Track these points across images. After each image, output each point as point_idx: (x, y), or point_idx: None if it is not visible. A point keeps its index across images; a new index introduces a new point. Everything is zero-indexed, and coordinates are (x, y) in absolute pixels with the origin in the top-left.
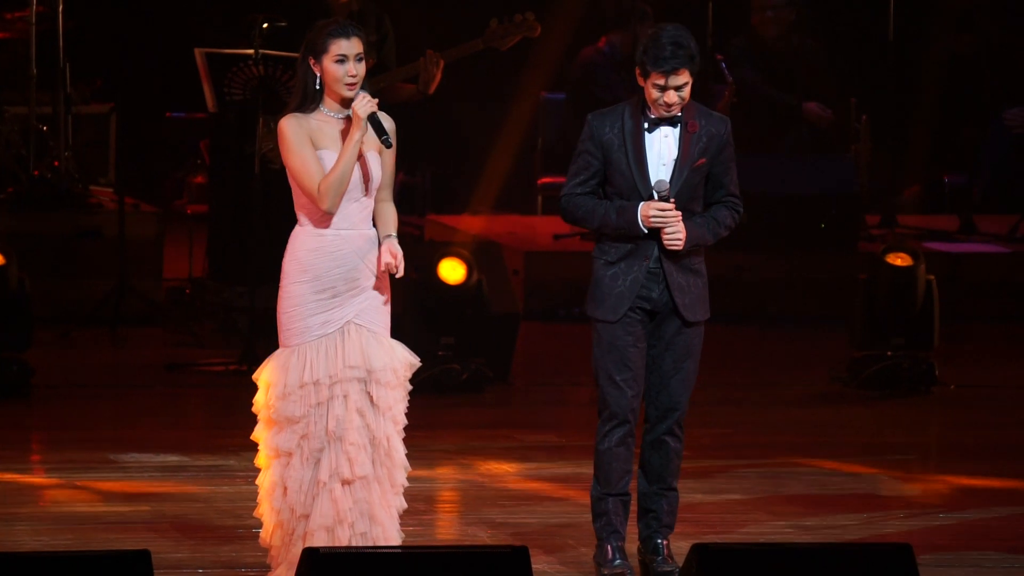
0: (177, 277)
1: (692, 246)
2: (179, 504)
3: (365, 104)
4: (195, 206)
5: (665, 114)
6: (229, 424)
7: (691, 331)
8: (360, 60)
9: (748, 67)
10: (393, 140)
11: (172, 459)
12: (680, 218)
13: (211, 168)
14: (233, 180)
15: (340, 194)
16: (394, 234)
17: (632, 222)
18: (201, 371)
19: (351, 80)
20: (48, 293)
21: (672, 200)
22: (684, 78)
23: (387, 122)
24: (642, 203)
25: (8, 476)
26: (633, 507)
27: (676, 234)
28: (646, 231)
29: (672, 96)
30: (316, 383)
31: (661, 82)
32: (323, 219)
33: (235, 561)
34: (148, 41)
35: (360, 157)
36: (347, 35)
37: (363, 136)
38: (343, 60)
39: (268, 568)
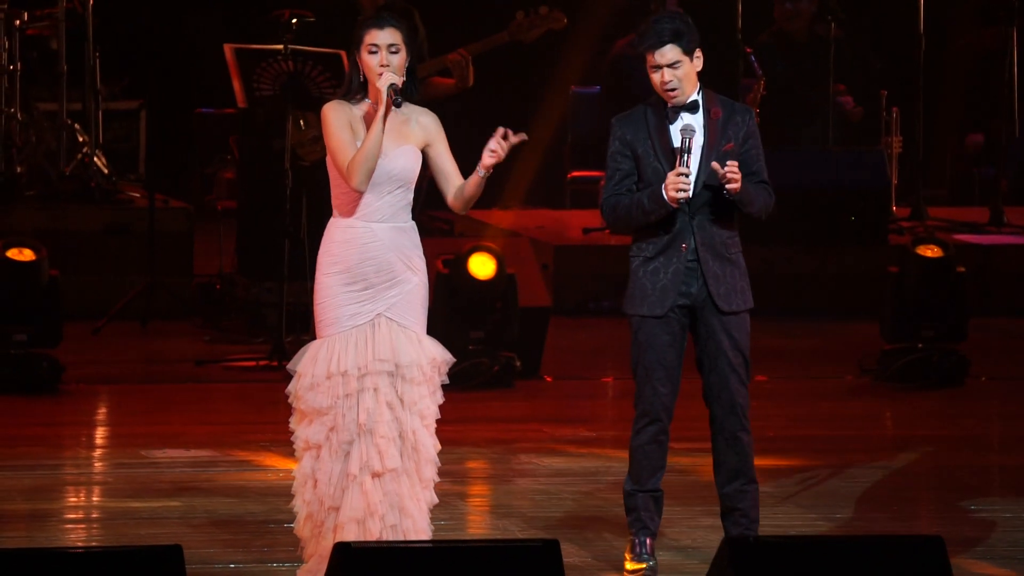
0: (207, 273)
1: (745, 196)
2: (211, 499)
3: (387, 77)
4: (225, 202)
5: (675, 100)
6: (260, 419)
7: (735, 323)
8: (395, 51)
9: (777, 63)
10: (401, 98)
11: (203, 454)
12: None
13: (240, 164)
14: (262, 175)
15: (368, 171)
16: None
17: (659, 198)
18: (231, 366)
19: (383, 70)
20: (78, 289)
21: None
22: (673, 55)
23: (426, 115)
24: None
25: (39, 472)
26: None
27: (733, 171)
28: (674, 206)
29: (667, 74)
30: (344, 374)
31: (653, 62)
32: (354, 211)
33: (267, 555)
34: (178, 37)
35: (391, 150)
36: (380, 25)
37: (387, 111)
38: (375, 50)
39: (300, 561)
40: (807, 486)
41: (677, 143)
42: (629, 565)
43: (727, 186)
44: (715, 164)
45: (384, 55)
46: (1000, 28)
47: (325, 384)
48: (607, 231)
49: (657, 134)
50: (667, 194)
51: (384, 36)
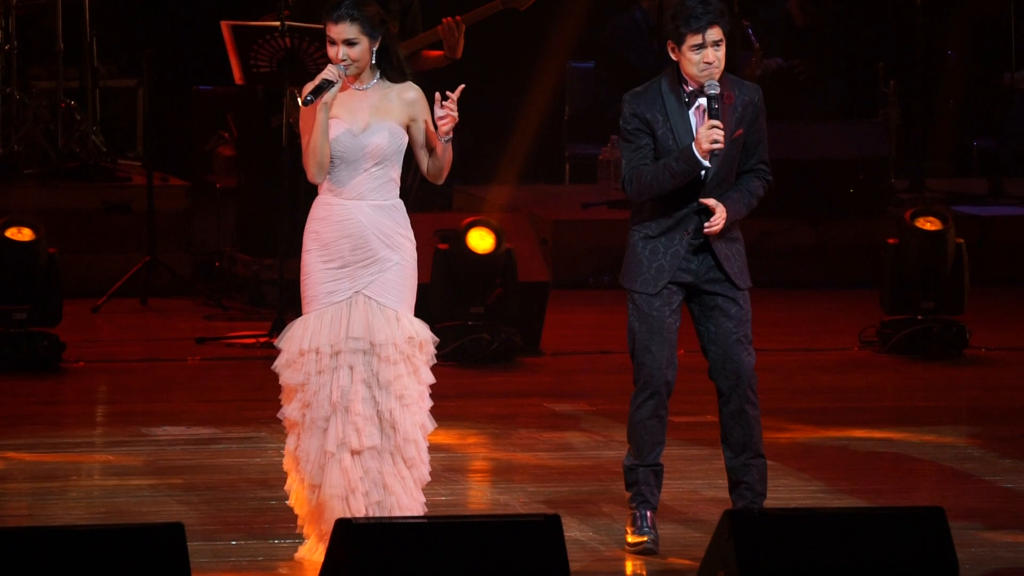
0: (206, 250)
1: (730, 223)
2: (212, 476)
3: (325, 71)
4: (224, 179)
5: (705, 82)
6: (260, 396)
7: (743, 298)
8: (352, 45)
9: (774, 37)
10: (316, 99)
11: (204, 432)
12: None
13: (238, 141)
14: (260, 152)
15: (317, 164)
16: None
17: (690, 156)
18: (231, 344)
19: (344, 63)
20: (78, 268)
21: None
22: (718, 34)
23: (411, 91)
24: (695, 138)
25: (40, 451)
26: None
27: (716, 220)
28: (708, 164)
29: (711, 54)
30: (317, 351)
31: (698, 40)
32: (332, 189)
33: (268, 532)
34: (175, 14)
35: (367, 127)
36: (336, 19)
37: (327, 108)
38: (333, 43)
39: (301, 538)
40: (807, 458)
41: (696, 127)
42: (631, 538)
43: (708, 230)
44: (705, 201)
45: (340, 49)
46: None
47: (298, 361)
48: (604, 206)
49: (677, 117)
50: (700, 148)
51: (339, 31)
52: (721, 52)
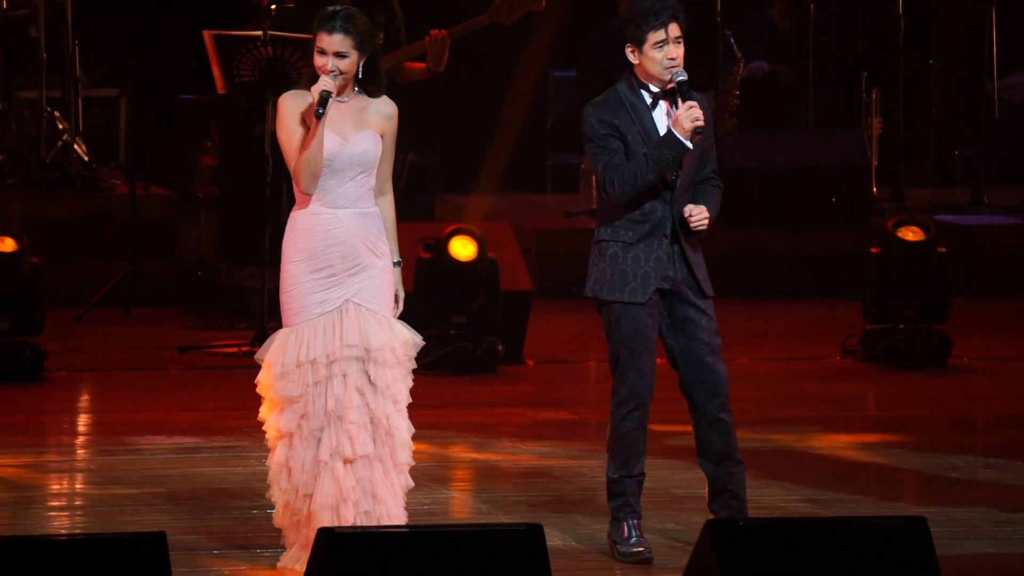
0: (189, 259)
1: (711, 220)
2: (193, 485)
3: (321, 82)
4: (206, 188)
5: (668, 78)
6: (243, 405)
7: (710, 307)
8: (342, 57)
9: (756, 46)
10: (325, 110)
11: (186, 441)
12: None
13: (221, 150)
14: (243, 162)
15: (311, 175)
16: (397, 256)
17: (673, 141)
18: (214, 353)
19: (324, 75)
20: (60, 277)
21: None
22: (678, 30)
23: (388, 106)
24: (672, 121)
25: (23, 459)
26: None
27: (702, 216)
28: (691, 145)
29: (673, 50)
30: (313, 362)
31: (661, 37)
32: (318, 198)
33: (250, 542)
34: (158, 24)
35: (351, 136)
36: (329, 30)
37: (324, 118)
38: (323, 53)
39: (283, 548)
40: (790, 468)
41: (663, 129)
42: (628, 549)
43: (697, 228)
44: (687, 209)
45: (331, 60)
46: (984, 5)
47: (295, 373)
48: (587, 214)
49: (644, 119)
50: (681, 129)
51: (331, 42)
52: (682, 49)
